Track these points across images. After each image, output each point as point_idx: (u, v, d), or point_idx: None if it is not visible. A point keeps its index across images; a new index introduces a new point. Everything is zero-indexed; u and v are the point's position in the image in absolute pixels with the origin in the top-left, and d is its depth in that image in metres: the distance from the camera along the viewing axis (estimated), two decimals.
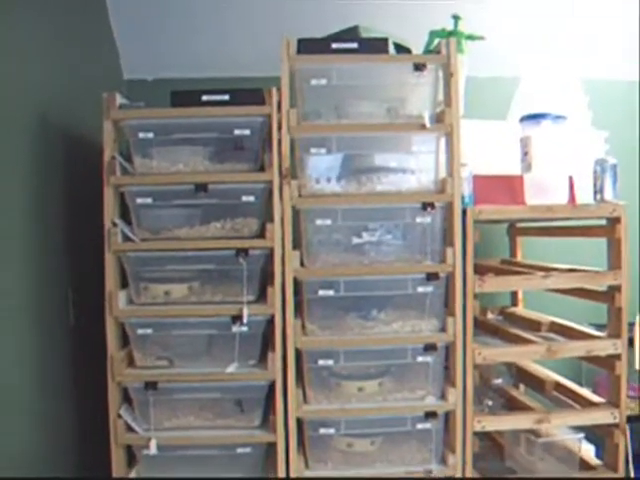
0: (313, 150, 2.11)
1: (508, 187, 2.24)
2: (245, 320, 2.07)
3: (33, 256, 2.05)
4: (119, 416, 2.13)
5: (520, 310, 2.79)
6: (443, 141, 2.17)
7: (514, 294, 2.87)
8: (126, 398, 2.18)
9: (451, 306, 2.14)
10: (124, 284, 2.17)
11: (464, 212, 2.13)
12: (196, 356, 2.16)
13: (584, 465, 2.26)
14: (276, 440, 2.11)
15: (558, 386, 2.42)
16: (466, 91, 2.40)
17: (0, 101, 1.87)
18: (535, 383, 2.45)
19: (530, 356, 2.25)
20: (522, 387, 2.62)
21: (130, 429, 2.14)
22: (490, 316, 2.70)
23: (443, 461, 2.18)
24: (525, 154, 2.22)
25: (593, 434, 2.34)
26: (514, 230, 2.86)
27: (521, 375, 2.49)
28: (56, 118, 2.25)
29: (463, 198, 2.15)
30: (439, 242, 2.15)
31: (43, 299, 2.11)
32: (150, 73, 2.92)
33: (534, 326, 2.45)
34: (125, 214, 2.16)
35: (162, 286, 2.14)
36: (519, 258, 2.83)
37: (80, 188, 2.37)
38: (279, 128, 2.10)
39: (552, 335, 2.41)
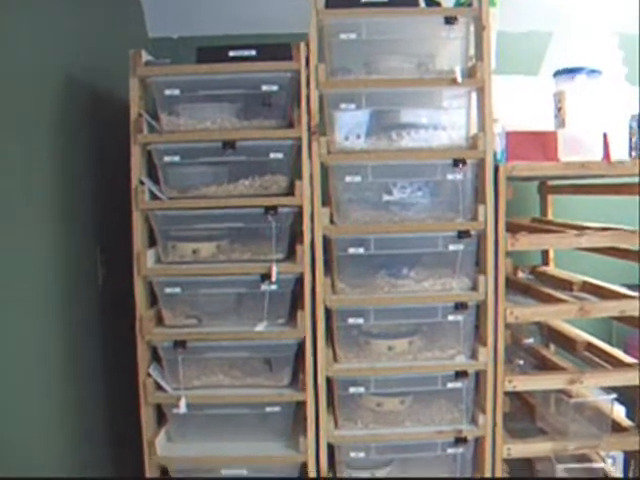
0: (342, 106, 2.11)
1: (541, 143, 2.23)
2: (274, 278, 2.10)
3: (61, 215, 2.09)
4: (148, 375, 2.17)
5: (551, 269, 2.80)
6: (474, 96, 2.16)
7: (545, 253, 2.88)
8: (155, 357, 2.21)
9: (482, 264, 2.15)
10: (152, 243, 2.20)
11: (496, 169, 2.13)
12: (225, 315, 2.19)
13: (616, 426, 2.28)
14: (305, 399, 2.15)
15: (589, 346, 2.43)
16: (497, 46, 2.38)
17: (26, 61, 1.89)
18: (566, 343, 2.46)
19: (562, 315, 2.26)
20: (552, 347, 2.63)
21: (159, 388, 2.18)
22: (521, 275, 2.71)
23: (473, 421, 2.21)
24: (559, 109, 2.21)
25: (624, 395, 2.34)
26: (545, 188, 2.86)
27: (552, 335, 2.51)
28: (82, 78, 2.27)
29: (495, 154, 2.15)
30: (470, 199, 2.16)
31: (71, 259, 2.15)
32: (175, 31, 2.92)
33: (566, 285, 2.46)
34: (152, 173, 2.18)
35: (190, 245, 2.16)
36: (550, 217, 2.83)
37: (107, 147, 2.40)
38: (307, 84, 2.10)
39: (584, 295, 2.41)
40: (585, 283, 2.46)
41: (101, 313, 2.34)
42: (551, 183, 2.85)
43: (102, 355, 2.35)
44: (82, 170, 2.26)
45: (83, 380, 2.22)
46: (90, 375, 2.28)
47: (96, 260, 2.30)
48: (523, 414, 2.41)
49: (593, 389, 2.35)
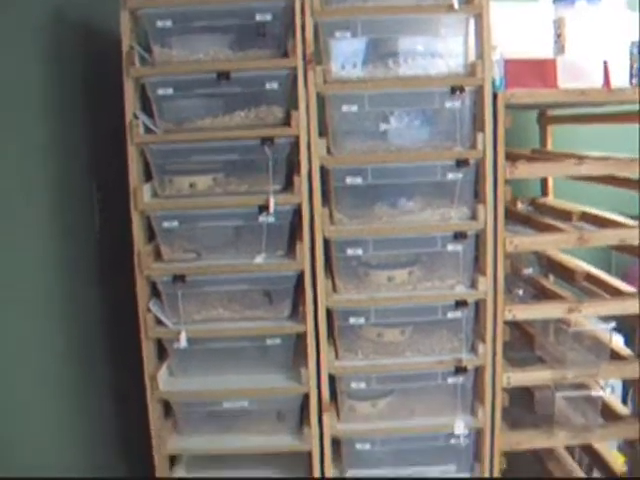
0: (338, 34, 2.08)
1: (540, 71, 2.21)
2: (272, 210, 2.09)
3: (55, 154, 2.07)
4: (148, 310, 2.17)
5: (550, 200, 2.79)
6: (472, 23, 2.13)
7: (544, 184, 2.87)
8: (154, 293, 2.21)
9: (481, 193, 2.14)
10: (148, 178, 2.18)
11: (494, 96, 2.11)
12: (223, 248, 2.19)
13: (614, 355, 2.30)
14: (306, 330, 2.16)
15: (588, 276, 2.43)
16: None
17: None
18: (565, 273, 2.47)
19: (561, 244, 2.26)
20: (551, 278, 2.64)
21: (160, 323, 2.19)
22: (520, 206, 2.70)
23: (473, 350, 2.22)
24: (558, 36, 2.19)
25: (622, 324, 2.36)
26: (545, 118, 2.84)
27: (551, 265, 2.51)
28: (72, 12, 2.23)
29: (494, 82, 2.12)
30: (469, 128, 2.13)
31: (67, 198, 2.15)
32: None
33: (565, 216, 2.45)
34: (146, 107, 2.16)
35: (187, 178, 2.15)
36: (550, 148, 2.81)
37: (99, 82, 2.37)
38: (302, 12, 2.06)
39: (584, 225, 2.40)
40: (584, 213, 2.45)
41: (99, 249, 2.33)
42: (551, 113, 2.82)
43: (102, 294, 2.36)
44: (74, 107, 2.24)
45: (82, 323, 2.22)
46: (89, 316, 2.28)
47: (92, 198, 2.28)
48: (522, 344, 2.42)
49: (592, 318, 2.36)
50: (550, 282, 2.55)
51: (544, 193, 2.87)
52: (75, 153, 2.23)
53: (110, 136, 2.27)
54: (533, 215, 2.54)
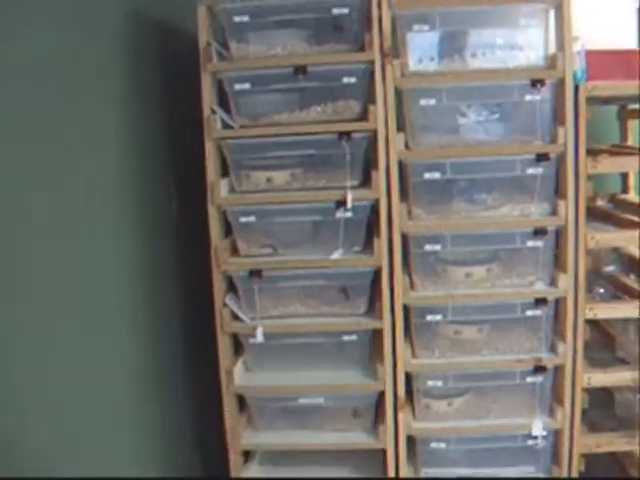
0: (415, 27, 2.06)
1: (623, 62, 2.15)
2: (349, 205, 2.07)
3: (132, 148, 2.10)
4: (225, 305, 2.17)
5: (632, 197, 2.72)
6: (552, 14, 2.08)
7: (625, 180, 2.79)
8: (231, 287, 2.22)
9: (562, 188, 2.09)
10: (225, 173, 2.19)
11: (576, 89, 2.06)
12: (300, 243, 2.19)
13: None
14: (382, 327, 2.14)
15: None
16: None
17: None
18: None
19: None
20: (632, 276, 2.56)
21: (236, 318, 2.19)
22: (600, 202, 2.64)
23: (552, 349, 2.17)
24: None
25: None
26: (625, 113, 2.76)
27: (632, 263, 2.44)
28: (148, 10, 2.26)
29: (575, 74, 2.07)
30: (549, 121, 2.08)
31: (144, 193, 2.17)
32: None
33: None
34: (223, 102, 2.17)
35: (264, 173, 2.15)
36: (631, 143, 2.74)
37: (177, 78, 2.39)
38: (379, 5, 2.04)
39: None
40: None
41: (175, 244, 2.35)
42: (632, 107, 2.75)
43: (178, 285, 2.37)
44: (152, 103, 2.26)
45: (159, 312, 2.24)
46: (167, 306, 2.30)
47: (170, 192, 2.30)
48: (601, 344, 2.36)
49: None
50: (631, 280, 2.47)
51: (625, 189, 2.79)
52: (153, 149, 2.24)
53: (187, 132, 2.28)
54: (613, 211, 2.47)
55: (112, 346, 1.91)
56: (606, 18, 2.27)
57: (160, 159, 2.29)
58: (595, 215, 2.44)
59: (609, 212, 2.46)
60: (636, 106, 2.71)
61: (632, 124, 2.78)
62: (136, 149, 2.12)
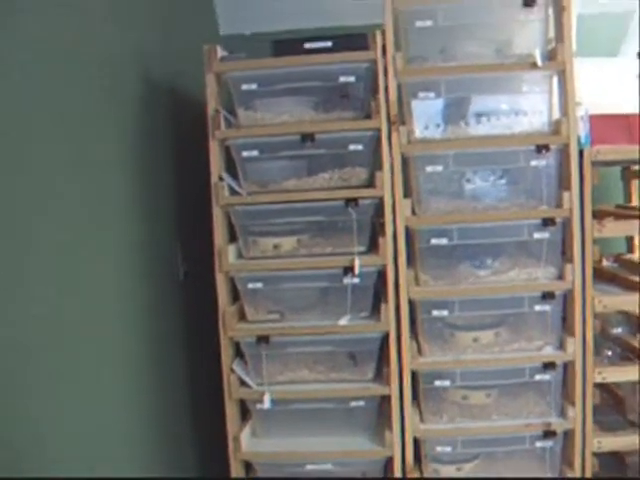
0: (421, 95, 2.01)
1: (626, 126, 2.11)
2: (357, 271, 2.00)
3: (141, 214, 2.03)
4: (232, 371, 2.09)
5: (637, 257, 2.63)
6: (555, 80, 2.04)
7: (630, 241, 2.71)
8: (238, 353, 2.14)
9: (569, 252, 2.02)
10: (232, 239, 2.12)
11: (580, 153, 2.00)
12: (308, 309, 2.11)
13: None
14: (390, 393, 2.05)
15: None
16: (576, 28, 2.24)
17: (104, 64, 1.84)
18: None
19: None
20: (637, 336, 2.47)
21: (243, 384, 2.11)
22: (605, 263, 2.56)
23: (562, 414, 2.08)
24: None
25: None
26: (629, 173, 2.69)
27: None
28: (158, 77, 2.22)
29: (579, 139, 2.01)
30: (554, 186, 2.02)
31: (153, 257, 2.10)
32: (247, 27, 2.84)
33: None
34: (231, 168, 2.11)
35: (271, 239, 2.09)
36: (635, 203, 2.67)
37: (186, 144, 2.34)
38: (385, 73, 2.00)
39: None
40: None
41: (182, 310, 2.27)
42: (635, 168, 2.68)
43: (185, 351, 2.29)
44: (162, 168, 2.21)
45: (165, 380, 2.15)
46: (173, 372, 2.21)
47: (177, 257, 2.23)
48: (610, 407, 2.26)
49: None
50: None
51: (630, 249, 2.71)
52: (162, 214, 2.18)
53: (196, 198, 2.21)
54: (619, 272, 2.39)
55: (117, 418, 1.82)
56: (608, 83, 2.21)
57: (168, 225, 2.22)
58: (601, 276, 2.36)
59: (615, 273, 2.38)
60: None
61: (636, 184, 2.71)
62: (145, 215, 2.06)
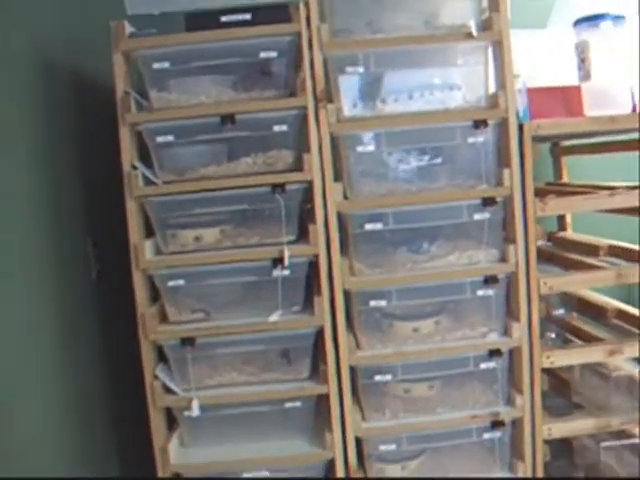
0: (349, 69, 1.82)
1: (565, 99, 1.96)
2: (286, 262, 1.80)
3: (47, 209, 1.78)
4: (155, 377, 1.86)
5: (571, 234, 2.51)
6: (491, 52, 1.86)
7: (561, 218, 2.58)
8: (162, 357, 1.91)
9: (511, 233, 1.86)
10: (150, 233, 1.88)
11: (520, 128, 1.84)
12: (235, 306, 1.90)
13: None
14: (328, 391, 1.86)
15: (620, 314, 2.14)
16: None
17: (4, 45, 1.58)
18: (594, 312, 2.18)
19: (600, 282, 1.97)
20: (576, 315, 2.34)
21: (169, 390, 1.88)
22: (539, 243, 2.40)
23: (509, 402, 1.93)
24: (582, 61, 1.93)
25: None
26: (558, 149, 2.56)
27: (580, 304, 2.22)
28: (63, 60, 1.96)
29: (517, 113, 1.85)
30: (493, 164, 1.86)
31: (62, 256, 1.84)
32: (156, 6, 2.56)
33: (591, 250, 2.16)
34: (146, 156, 1.87)
35: (192, 232, 1.86)
36: (566, 180, 2.53)
37: (95, 131, 2.08)
38: (310, 47, 1.78)
39: (613, 259, 2.12)
40: (612, 247, 2.16)
41: (98, 313, 2.02)
42: (564, 144, 2.55)
43: (102, 359, 2.04)
44: (69, 159, 1.95)
45: (82, 389, 1.90)
46: (90, 381, 1.96)
47: (89, 255, 1.97)
48: (556, 390, 2.12)
49: (625, 360, 2.06)
50: (581, 322, 2.25)
51: (562, 227, 2.58)
52: (71, 209, 1.92)
53: (109, 189, 1.96)
54: (556, 251, 2.25)
55: (27, 433, 1.57)
56: (542, 55, 2.06)
57: (78, 220, 1.96)
58: (539, 256, 2.21)
59: (552, 252, 2.23)
60: (569, 143, 2.51)
61: (566, 160, 2.58)
62: (51, 210, 1.81)
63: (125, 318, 1.91)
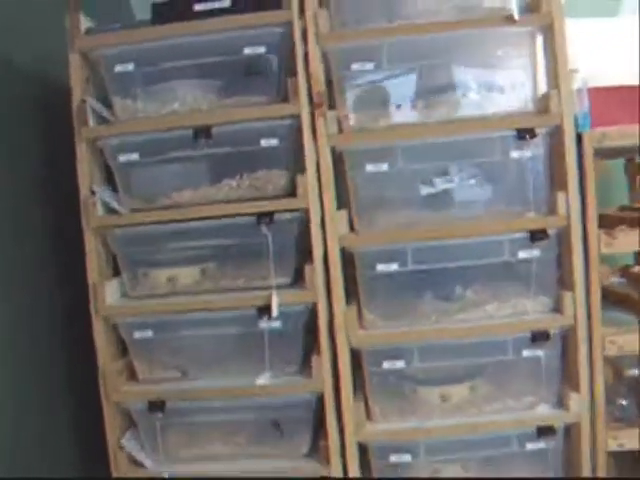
0: (355, 66, 1.42)
1: (632, 102, 1.49)
2: (275, 312, 1.40)
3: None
4: (121, 447, 1.49)
5: None
6: (540, 42, 1.45)
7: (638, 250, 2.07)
8: (131, 422, 1.54)
9: (568, 276, 1.44)
10: (117, 272, 1.51)
11: (578, 139, 1.42)
12: (216, 364, 1.53)
13: None
14: (329, 473, 1.46)
15: None
16: None
17: None
18: None
19: None
20: None
21: (136, 462, 1.50)
22: (611, 280, 1.92)
23: None
24: None
25: None
26: (633, 166, 2.07)
27: None
28: (22, 62, 1.61)
29: (575, 119, 1.44)
30: (544, 185, 1.46)
31: (13, 292, 1.49)
32: None
33: None
34: (111, 179, 1.50)
35: (165, 271, 1.52)
36: None
37: (59, 147, 1.72)
38: (304, 38, 1.40)
39: None
40: None
41: (57, 364, 1.66)
42: None
43: (63, 421, 1.67)
44: (26, 176, 1.60)
45: (41, 460, 1.55)
46: (51, 449, 1.61)
47: (48, 294, 1.62)
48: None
49: None
50: None
51: (638, 261, 2.07)
52: (25, 241, 1.57)
53: (73, 216, 1.60)
54: (630, 292, 1.76)
55: None
56: (607, 49, 1.61)
57: (35, 253, 1.60)
58: (606, 297, 1.73)
59: (625, 293, 1.75)
60: None
61: None
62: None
63: (90, 372, 1.54)
